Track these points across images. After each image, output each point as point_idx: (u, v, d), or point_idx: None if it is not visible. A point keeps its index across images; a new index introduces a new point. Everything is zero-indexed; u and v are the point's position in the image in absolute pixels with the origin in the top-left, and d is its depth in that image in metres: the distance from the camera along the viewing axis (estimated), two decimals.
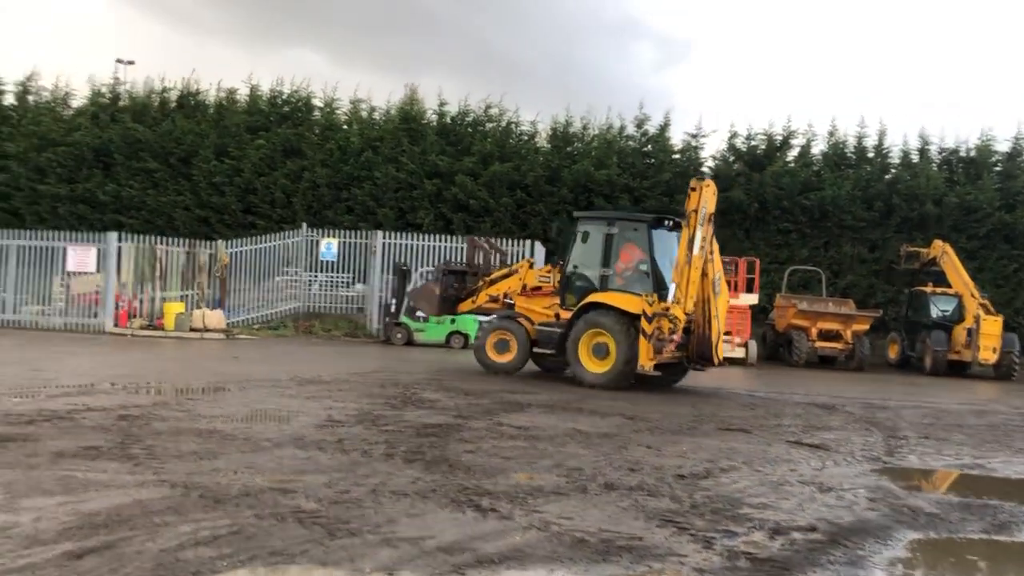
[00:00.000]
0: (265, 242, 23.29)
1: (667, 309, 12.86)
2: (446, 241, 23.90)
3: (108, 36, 74.64)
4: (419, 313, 19.67)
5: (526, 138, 28.69)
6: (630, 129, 28.21)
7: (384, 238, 23.59)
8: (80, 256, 20.27)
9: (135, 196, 27.39)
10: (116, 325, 19.93)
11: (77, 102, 30.21)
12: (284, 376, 12.65)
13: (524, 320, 14.76)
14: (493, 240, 19.32)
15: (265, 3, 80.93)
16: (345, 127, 28.32)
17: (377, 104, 28.98)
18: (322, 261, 23.90)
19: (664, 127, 27.97)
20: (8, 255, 20.56)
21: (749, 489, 6.77)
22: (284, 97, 28.94)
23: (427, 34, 79.59)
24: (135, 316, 20.17)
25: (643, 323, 12.94)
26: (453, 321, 20.29)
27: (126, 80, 30.85)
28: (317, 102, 28.99)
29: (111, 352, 15.90)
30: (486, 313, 15.96)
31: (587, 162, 26.61)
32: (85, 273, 20.77)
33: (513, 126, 28.61)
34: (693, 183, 13.61)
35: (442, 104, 28.53)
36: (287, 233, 24.19)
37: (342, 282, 24.19)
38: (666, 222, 14.26)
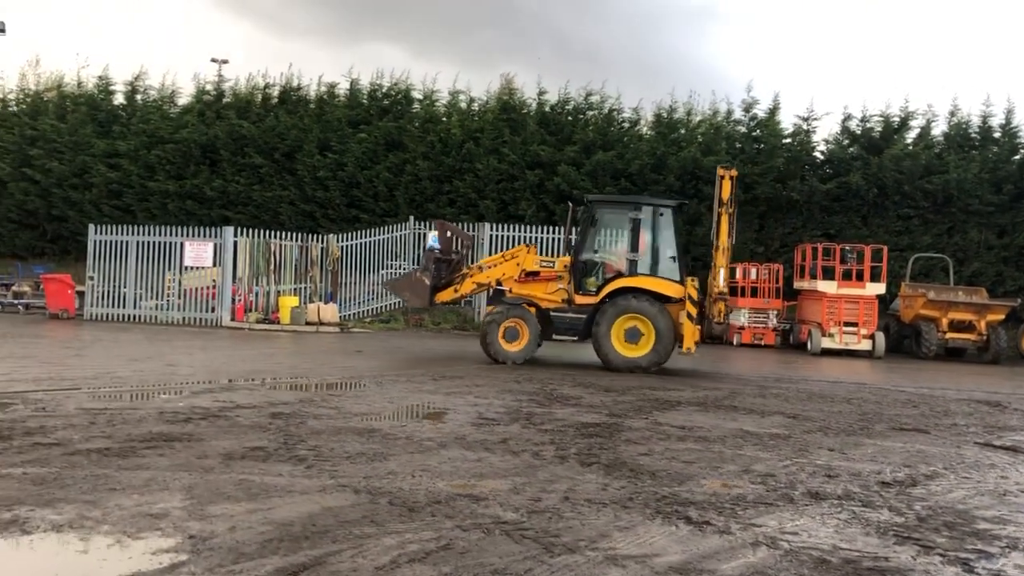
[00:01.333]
0: (373, 235, 23.22)
1: (723, 293, 13.78)
2: (551, 232, 23.47)
3: (200, 36, 76.53)
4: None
5: (628, 125, 28.03)
6: (738, 113, 27.30)
7: (491, 230, 23.27)
8: (197, 251, 20.47)
9: (241, 191, 27.72)
10: (233, 319, 20.09)
11: (183, 100, 30.82)
12: (415, 370, 12.36)
13: (530, 307, 14.12)
14: (456, 225, 17.54)
15: (346, 1, 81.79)
16: (445, 119, 28.10)
17: (476, 95, 28.72)
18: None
19: (773, 111, 26.97)
20: (128, 251, 20.93)
21: (970, 500, 6.10)
22: (384, 90, 28.88)
23: (504, 25, 79.27)
24: (251, 310, 20.29)
25: (688, 307, 13.54)
26: None
27: (227, 77, 31.32)
28: (416, 95, 28.87)
29: (235, 346, 15.91)
30: (466, 303, 15.72)
31: (694, 148, 25.80)
32: (198, 268, 20.98)
33: (615, 113, 27.97)
34: (722, 171, 13.95)
35: (541, 93, 28.11)
36: (395, 226, 24.08)
37: None
38: (683, 207, 15.07)
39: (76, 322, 20.36)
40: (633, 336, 13.52)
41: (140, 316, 20.89)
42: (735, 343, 21.69)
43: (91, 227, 21.89)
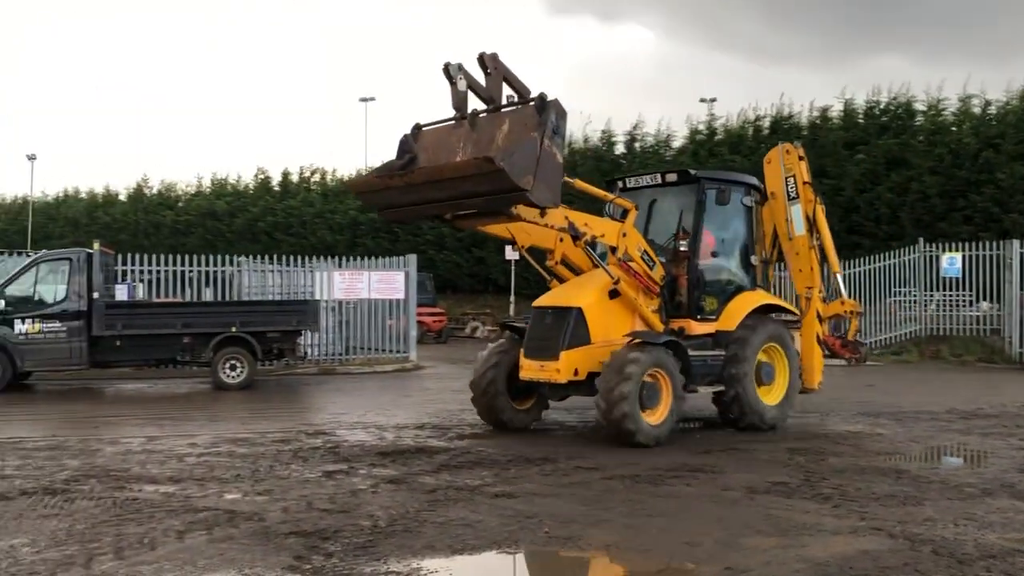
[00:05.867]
0: (876, 262, 21.88)
1: (855, 308, 10.78)
2: None
3: (691, 77, 79.89)
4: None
5: None
6: None
7: (1020, 247, 20.49)
8: None
9: None
10: None
11: (677, 142, 32.35)
12: (937, 407, 11.29)
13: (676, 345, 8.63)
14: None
15: (836, 19, 79.08)
16: (954, 128, 25.58)
17: (993, 97, 25.65)
18: (942, 278, 21.62)
19: None
20: None
21: None
22: (881, 107, 27.29)
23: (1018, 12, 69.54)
24: None
25: (817, 327, 10.04)
26: None
27: (718, 115, 32.12)
28: (919, 106, 26.74)
29: None
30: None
31: None
32: None
33: None
34: (789, 147, 10.44)
35: None
36: (900, 250, 22.45)
37: (963, 301, 21.57)
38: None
39: None
40: (767, 375, 9.37)
41: None
42: None
43: None
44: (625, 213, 8.79)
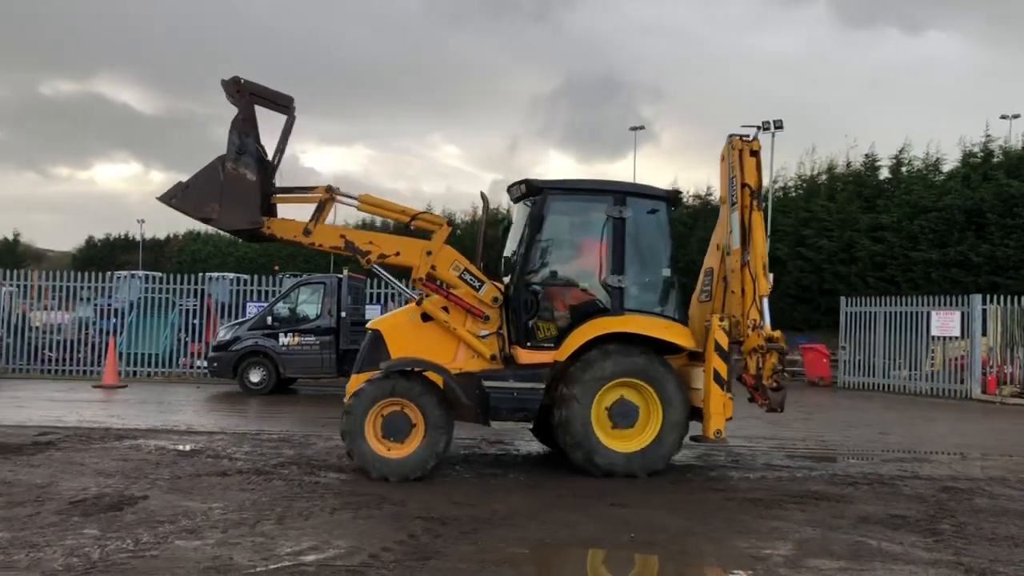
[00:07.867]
0: None
1: (773, 337, 8.34)
2: None
3: (985, 93, 73.15)
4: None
5: None
6: None
7: None
8: (943, 320, 19.89)
9: (1011, 255, 25.88)
10: (983, 391, 18.92)
11: (948, 166, 30.36)
12: None
13: (434, 372, 7.96)
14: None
15: None
16: None
17: None
18: None
19: None
20: (876, 321, 21.45)
21: None
22: None
23: None
24: (1005, 383, 18.82)
25: (716, 362, 8.23)
26: None
27: (999, 136, 29.77)
28: None
29: (970, 420, 15.11)
30: None
31: None
32: (954, 338, 20.27)
33: None
34: (739, 144, 8.79)
35: None
36: None
37: None
38: (679, 200, 9.88)
39: (830, 389, 21.57)
40: (624, 416, 8.14)
41: (890, 385, 21.08)
42: None
43: (842, 299, 23.00)
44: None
